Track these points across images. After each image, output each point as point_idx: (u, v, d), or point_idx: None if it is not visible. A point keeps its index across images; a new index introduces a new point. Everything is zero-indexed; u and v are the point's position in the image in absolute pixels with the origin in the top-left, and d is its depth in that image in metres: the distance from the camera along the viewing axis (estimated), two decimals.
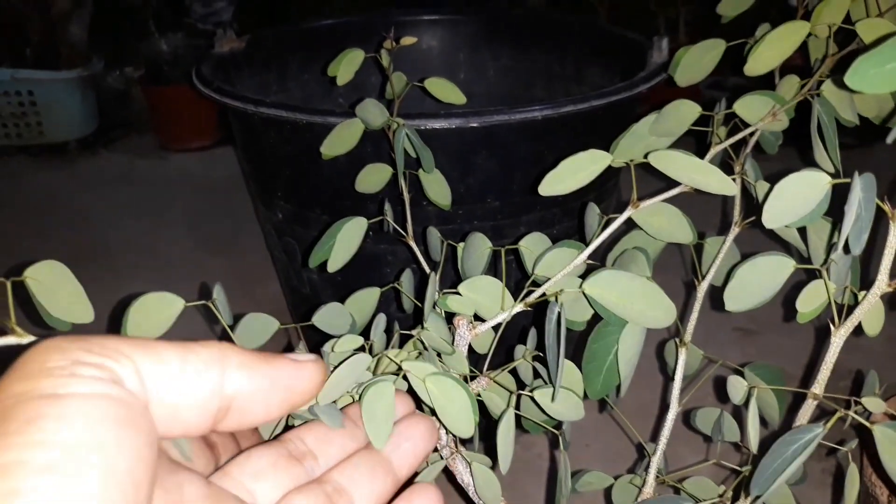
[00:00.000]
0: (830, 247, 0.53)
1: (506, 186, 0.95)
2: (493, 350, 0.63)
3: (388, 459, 0.35)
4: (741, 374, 0.64)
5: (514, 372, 0.63)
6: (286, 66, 1.26)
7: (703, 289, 0.63)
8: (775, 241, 0.62)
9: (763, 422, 0.64)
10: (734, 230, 0.63)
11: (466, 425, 0.45)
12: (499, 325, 0.59)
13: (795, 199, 0.44)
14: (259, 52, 1.22)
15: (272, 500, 0.31)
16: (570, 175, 0.57)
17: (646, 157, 0.56)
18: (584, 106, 0.89)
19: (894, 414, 0.53)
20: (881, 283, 0.44)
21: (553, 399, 0.50)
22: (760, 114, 0.62)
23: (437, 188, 0.76)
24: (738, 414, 0.69)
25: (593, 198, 1.04)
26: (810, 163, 0.61)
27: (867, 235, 0.39)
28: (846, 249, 0.39)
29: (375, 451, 0.35)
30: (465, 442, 0.60)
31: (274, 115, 0.89)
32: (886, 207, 0.42)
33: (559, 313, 0.49)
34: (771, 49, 0.63)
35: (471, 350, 0.62)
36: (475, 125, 0.86)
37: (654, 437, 0.69)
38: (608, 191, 1.09)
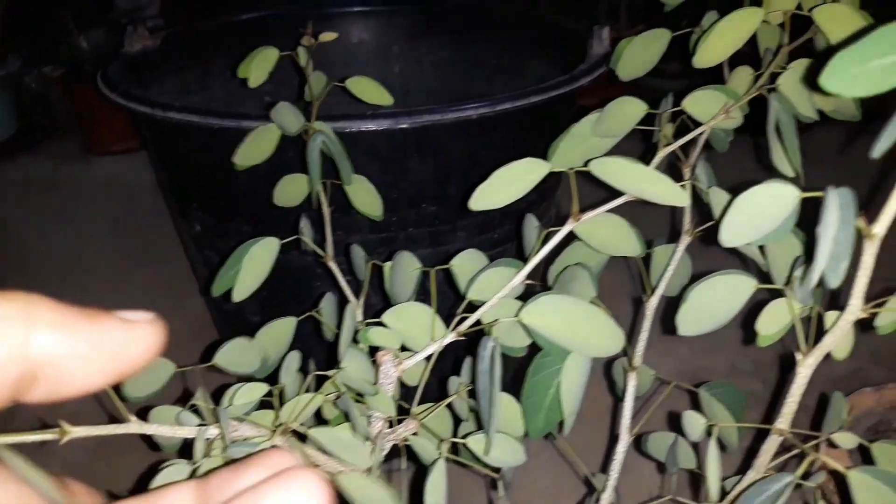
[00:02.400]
0: (794, 262, 0.47)
1: (442, 190, 0.88)
2: (426, 382, 0.56)
3: None
4: (696, 395, 0.58)
5: (450, 405, 0.57)
6: (207, 65, 1.17)
7: (651, 305, 0.57)
8: (731, 252, 0.57)
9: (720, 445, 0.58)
10: (684, 240, 0.58)
11: None
12: (431, 356, 0.52)
13: (758, 214, 0.38)
14: (177, 49, 1.13)
15: None
16: (503, 186, 0.51)
17: (586, 164, 0.49)
18: (522, 102, 0.82)
19: (866, 445, 0.47)
20: (854, 308, 0.39)
21: (486, 452, 0.43)
22: (712, 111, 0.56)
23: (365, 197, 0.69)
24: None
25: (534, 198, 0.98)
26: (765, 161, 0.56)
27: (847, 264, 0.33)
28: (820, 283, 0.33)
29: None
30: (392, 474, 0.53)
31: (184, 121, 0.80)
32: (862, 224, 0.36)
33: (493, 350, 0.42)
34: (721, 39, 0.58)
35: (402, 382, 0.55)
36: (405, 126, 0.79)
37: (604, 468, 0.63)
38: (551, 187, 1.03)
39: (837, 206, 0.33)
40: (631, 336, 0.85)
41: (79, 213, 1.83)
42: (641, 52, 0.70)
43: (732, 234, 0.40)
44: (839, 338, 0.41)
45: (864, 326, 0.45)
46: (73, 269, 1.62)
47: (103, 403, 1.07)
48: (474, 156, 0.87)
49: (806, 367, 0.42)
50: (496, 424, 0.41)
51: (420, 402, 0.55)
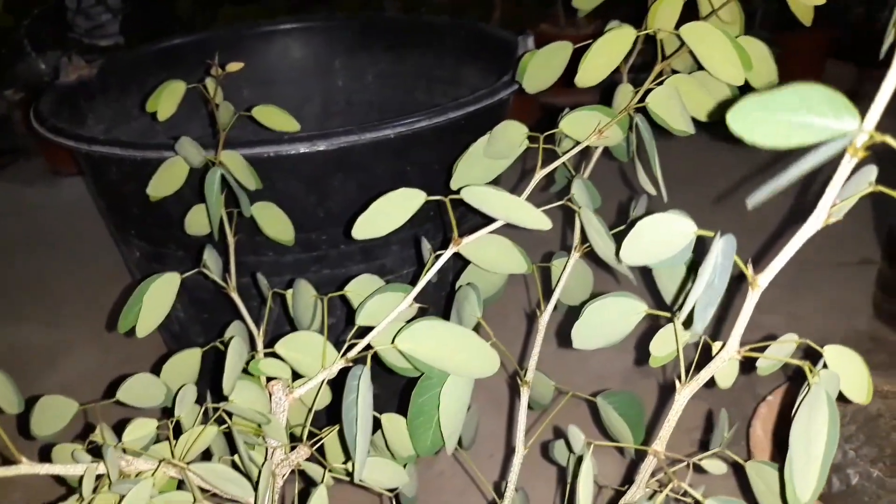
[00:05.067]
0: (682, 290, 0.49)
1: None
2: (333, 402, 0.58)
3: None
4: (593, 403, 0.61)
5: None
6: (147, 89, 1.18)
7: (544, 321, 0.59)
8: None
9: (621, 451, 0.61)
10: (574, 256, 0.60)
11: None
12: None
13: (656, 242, 0.40)
14: (115, 76, 1.14)
15: None
16: (383, 217, 0.53)
17: (458, 192, 0.52)
18: (440, 119, 0.84)
19: (739, 463, 0.50)
20: (731, 349, 0.41)
21: (355, 480, 0.46)
22: (588, 130, 0.58)
23: (276, 224, 0.71)
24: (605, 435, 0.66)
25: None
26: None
27: (714, 310, 0.35)
28: (688, 322, 0.35)
29: None
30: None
31: (109, 153, 0.82)
32: (749, 272, 0.38)
33: (359, 381, 0.44)
34: (599, 58, 0.60)
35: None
36: (323, 149, 0.80)
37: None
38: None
39: (721, 252, 0.35)
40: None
41: (45, 237, 1.84)
42: (545, 66, 0.72)
43: (630, 253, 0.42)
44: (713, 373, 0.43)
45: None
46: (40, 294, 1.63)
47: None
48: (399, 171, 0.89)
49: (683, 396, 0.45)
50: (363, 454, 0.43)
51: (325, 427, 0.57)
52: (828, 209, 0.32)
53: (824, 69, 2.46)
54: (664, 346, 0.49)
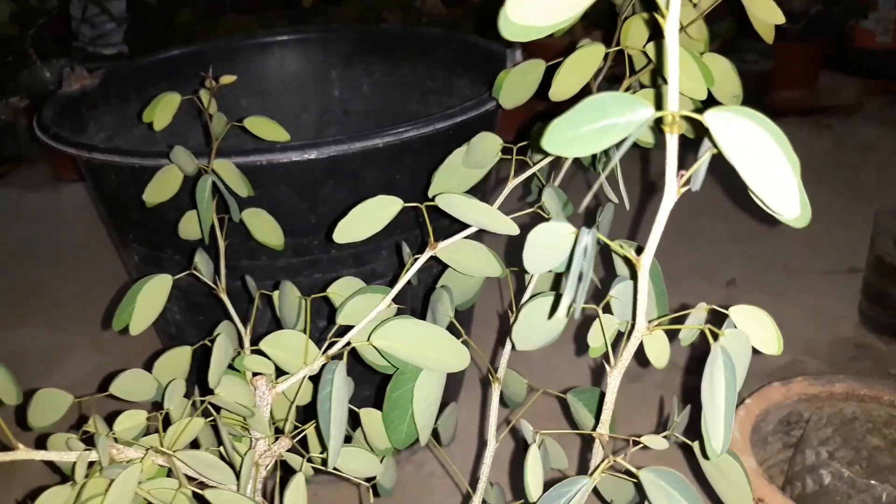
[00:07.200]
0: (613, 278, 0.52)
1: None
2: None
3: None
4: (563, 400, 0.64)
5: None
6: (147, 98, 1.22)
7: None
8: None
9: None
10: None
11: None
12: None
13: (547, 248, 0.43)
14: (116, 86, 1.18)
15: None
16: (360, 223, 0.56)
17: (433, 199, 0.55)
18: (427, 130, 0.87)
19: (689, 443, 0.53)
20: (640, 328, 0.44)
21: (329, 468, 0.49)
22: None
23: (266, 229, 0.74)
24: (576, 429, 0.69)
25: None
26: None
27: (583, 294, 0.38)
28: (570, 307, 0.39)
29: None
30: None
31: (108, 161, 0.86)
32: (632, 256, 0.42)
33: (333, 376, 0.47)
34: (570, 74, 0.63)
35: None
36: (313, 157, 0.84)
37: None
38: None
39: (588, 243, 0.38)
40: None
41: (45, 243, 1.88)
42: (520, 83, 0.75)
43: (532, 263, 0.45)
44: (632, 353, 0.46)
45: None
46: (41, 298, 1.66)
47: None
48: (389, 179, 0.92)
49: (613, 378, 0.48)
50: (336, 442, 0.46)
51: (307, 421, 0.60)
52: (675, 180, 0.36)
53: (818, 80, 2.49)
54: (599, 336, 0.52)
